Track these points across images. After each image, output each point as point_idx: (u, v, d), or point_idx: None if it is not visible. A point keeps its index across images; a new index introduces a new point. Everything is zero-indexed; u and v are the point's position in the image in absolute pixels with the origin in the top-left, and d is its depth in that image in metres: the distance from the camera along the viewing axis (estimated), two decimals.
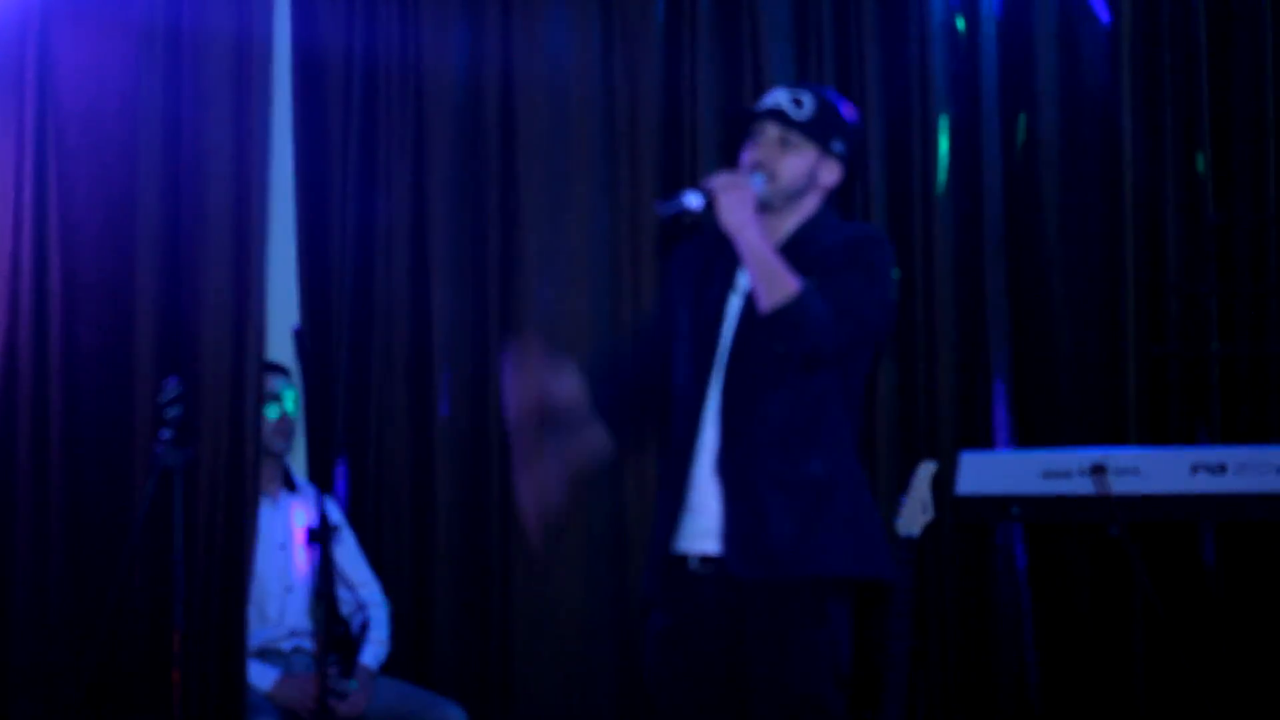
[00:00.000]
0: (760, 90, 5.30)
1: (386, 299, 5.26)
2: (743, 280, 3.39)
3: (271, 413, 4.68)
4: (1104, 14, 5.24)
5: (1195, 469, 4.34)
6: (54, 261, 4.66)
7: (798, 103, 3.40)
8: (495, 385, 5.27)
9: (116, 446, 4.60)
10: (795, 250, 3.33)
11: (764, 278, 3.23)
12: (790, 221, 3.42)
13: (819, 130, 3.40)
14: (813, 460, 3.33)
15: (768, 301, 3.22)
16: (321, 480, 4.99)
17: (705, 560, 3.35)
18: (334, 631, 4.34)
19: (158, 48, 4.67)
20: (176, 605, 4.08)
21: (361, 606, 4.78)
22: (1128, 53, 5.19)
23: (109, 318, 4.66)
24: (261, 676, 4.51)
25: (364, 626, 4.71)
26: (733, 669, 3.33)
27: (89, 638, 4.44)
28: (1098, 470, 4.36)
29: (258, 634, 4.58)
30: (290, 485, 4.83)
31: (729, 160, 4.69)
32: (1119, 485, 4.36)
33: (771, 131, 3.40)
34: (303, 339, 4.18)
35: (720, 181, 3.29)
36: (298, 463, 5.09)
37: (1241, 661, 4.97)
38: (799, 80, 5.32)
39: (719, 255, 3.43)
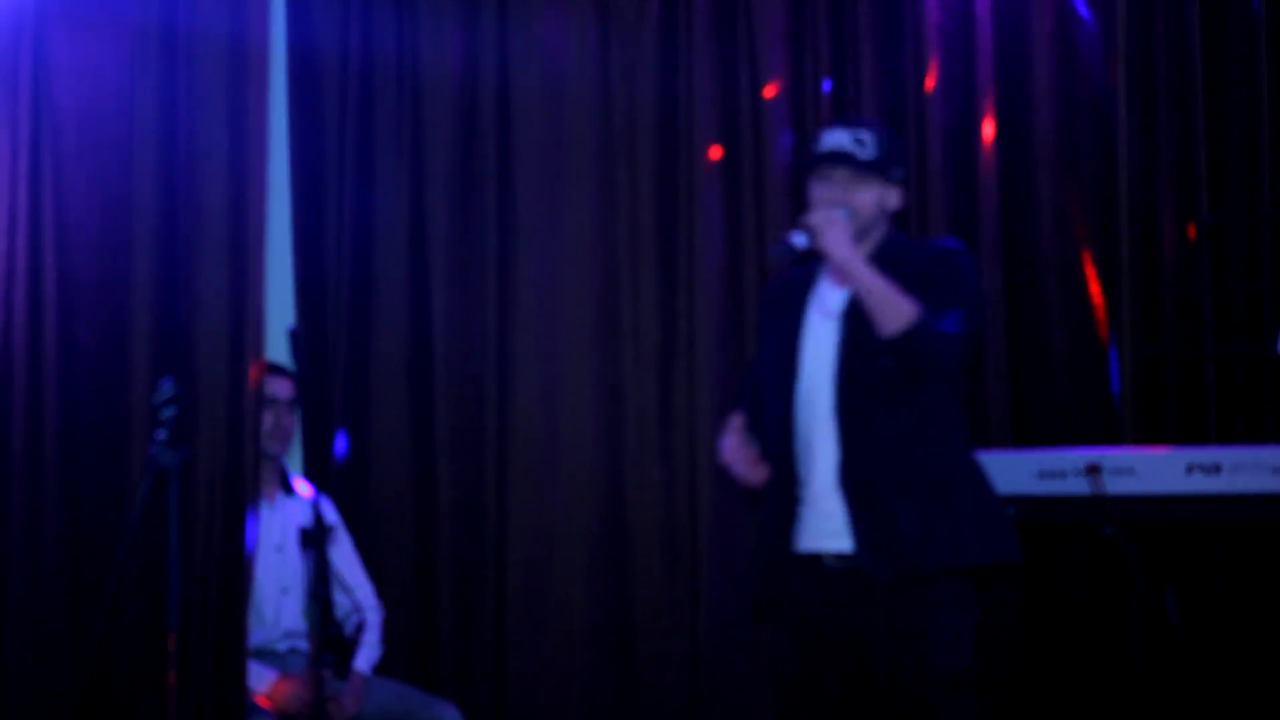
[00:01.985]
0: (756, 90, 5.32)
1: (384, 299, 5.27)
2: (831, 303, 3.67)
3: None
4: (1098, 14, 5.24)
5: (1190, 469, 4.34)
6: (49, 262, 4.65)
7: (860, 143, 3.67)
8: (493, 386, 5.28)
9: (112, 447, 4.59)
10: (887, 272, 3.55)
11: (881, 304, 3.49)
12: (866, 248, 3.66)
13: (883, 165, 3.69)
14: (931, 461, 3.59)
15: (891, 326, 3.48)
16: (318, 482, 5.00)
17: (840, 557, 3.58)
18: (329, 633, 4.34)
19: (153, 48, 4.66)
20: (172, 606, 4.07)
21: (357, 609, 4.78)
22: (1123, 52, 5.20)
23: (104, 318, 4.65)
24: (258, 678, 4.51)
25: (359, 629, 4.71)
26: (862, 659, 3.56)
27: (84, 639, 4.43)
28: (1093, 470, 4.36)
29: (254, 635, 4.57)
30: (287, 487, 4.82)
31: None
32: (1114, 485, 4.36)
33: (840, 172, 3.66)
34: (298, 339, 4.17)
35: (818, 219, 3.57)
36: (294, 464, 5.09)
37: (1239, 662, 4.98)
38: (797, 80, 5.34)
39: (796, 287, 3.78)
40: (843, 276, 3.57)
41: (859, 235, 3.64)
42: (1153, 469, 4.37)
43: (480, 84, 5.35)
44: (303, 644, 4.66)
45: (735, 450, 3.69)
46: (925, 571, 3.51)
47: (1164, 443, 5.00)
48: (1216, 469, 4.32)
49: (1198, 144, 5.14)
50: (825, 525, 3.61)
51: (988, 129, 5.28)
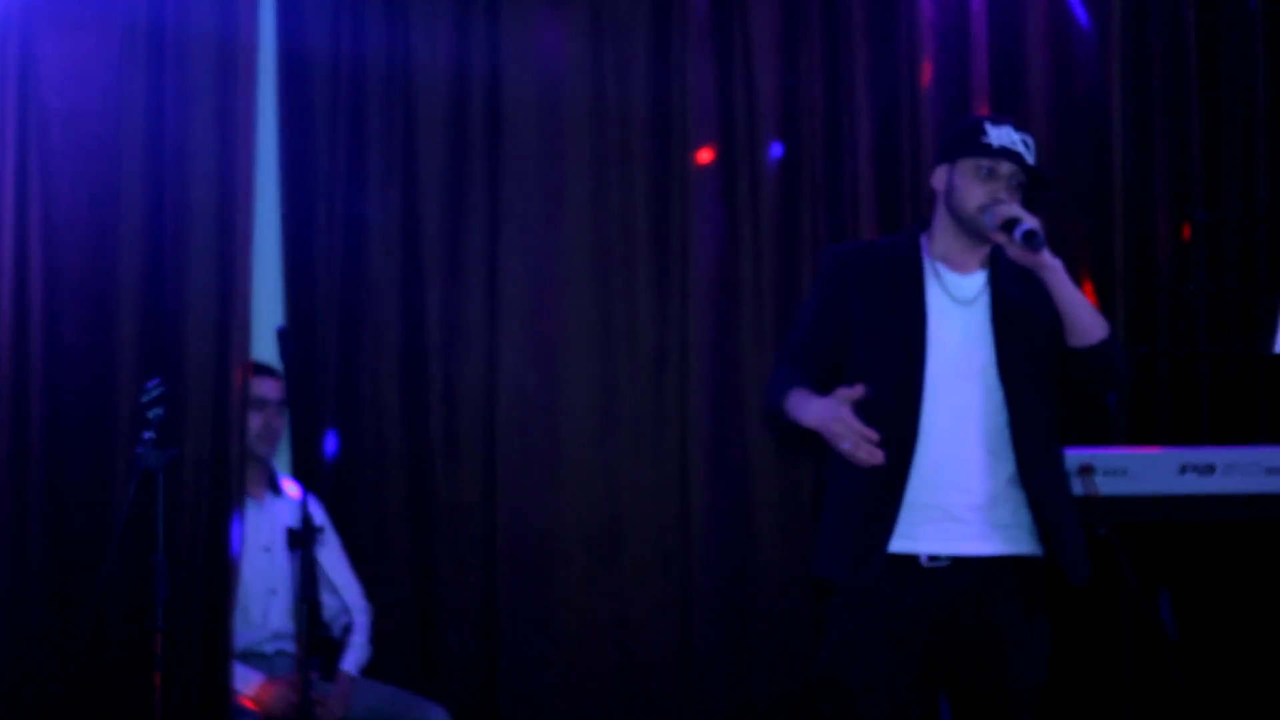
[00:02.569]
0: (751, 91, 5.30)
1: (374, 299, 5.25)
2: (956, 289, 3.58)
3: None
4: (1093, 13, 5.23)
5: (1184, 469, 4.34)
6: (36, 261, 4.63)
7: (1028, 145, 3.58)
8: (485, 386, 5.27)
9: (98, 447, 4.57)
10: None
11: (1084, 311, 3.48)
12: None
13: (1040, 177, 3.62)
14: (1064, 471, 3.61)
15: (1090, 336, 3.46)
16: (306, 482, 4.98)
17: (934, 557, 3.49)
18: (316, 635, 4.32)
19: (140, 46, 4.64)
20: (158, 607, 4.06)
21: (345, 610, 4.76)
22: (1117, 52, 5.19)
23: (91, 318, 4.63)
24: (244, 680, 4.49)
25: (347, 630, 4.69)
26: (939, 658, 3.51)
27: (69, 639, 4.41)
28: (1085, 471, 4.34)
29: (241, 636, 4.56)
30: (275, 488, 4.81)
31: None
32: (1107, 486, 4.34)
33: (1005, 169, 3.56)
34: (287, 339, 4.15)
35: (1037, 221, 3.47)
36: (283, 465, 5.07)
37: (1232, 664, 4.96)
38: (789, 82, 5.32)
39: (893, 261, 3.64)
40: (1047, 279, 3.47)
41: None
42: (1146, 469, 4.37)
43: (472, 84, 5.33)
44: (290, 646, 4.64)
45: (852, 429, 3.39)
46: (1084, 579, 3.54)
47: (1158, 443, 4.99)
48: (1210, 469, 4.31)
49: (1192, 144, 5.14)
50: (944, 525, 3.49)
51: None
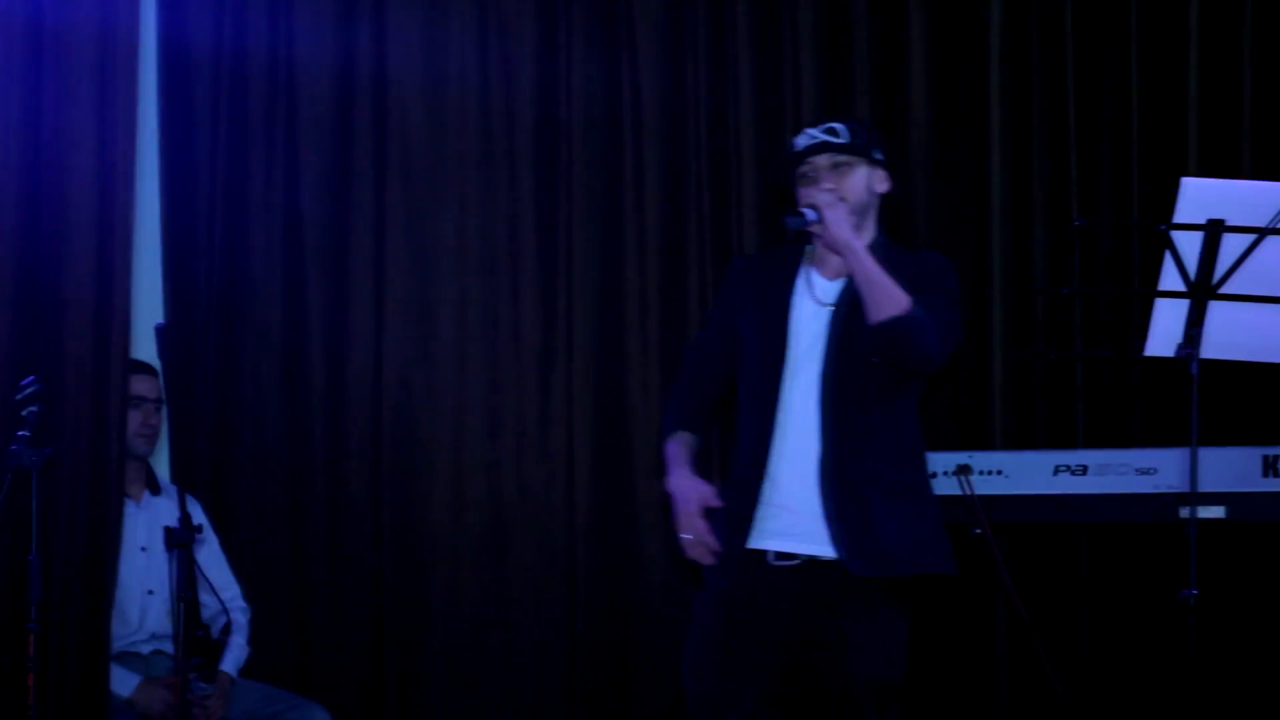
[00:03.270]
0: (637, 89, 5.32)
1: (256, 297, 5.22)
2: (821, 292, 3.65)
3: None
4: (974, 21, 5.30)
5: (1058, 470, 4.42)
6: None
7: (833, 131, 3.65)
8: (369, 384, 5.24)
9: None
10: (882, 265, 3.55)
11: (877, 289, 3.49)
12: (863, 238, 3.63)
13: (861, 146, 3.66)
14: (905, 467, 3.65)
15: (882, 313, 3.47)
16: (186, 481, 4.93)
17: (781, 555, 3.57)
18: (195, 635, 4.28)
19: (17, 37, 4.55)
20: (32, 607, 4.00)
21: (224, 610, 4.72)
22: (997, 58, 5.25)
23: None
24: (121, 682, 4.43)
25: (225, 631, 4.65)
26: (793, 659, 3.56)
27: None
28: (962, 470, 4.41)
29: (118, 637, 4.50)
30: (153, 487, 4.76)
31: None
32: (983, 486, 4.41)
33: (822, 161, 3.64)
34: (166, 336, 4.10)
35: (824, 199, 3.57)
36: (161, 463, 5.02)
37: (1105, 660, 5.05)
38: (676, 82, 5.35)
39: (776, 269, 3.75)
40: (845, 258, 3.54)
41: (856, 223, 3.62)
42: (1021, 470, 4.44)
43: (357, 80, 5.31)
44: (167, 646, 4.59)
45: (700, 532, 3.59)
46: (900, 573, 3.55)
47: (1034, 444, 5.07)
48: (1083, 470, 4.39)
49: (1069, 150, 5.21)
50: (793, 526, 3.57)
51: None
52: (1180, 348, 3.78)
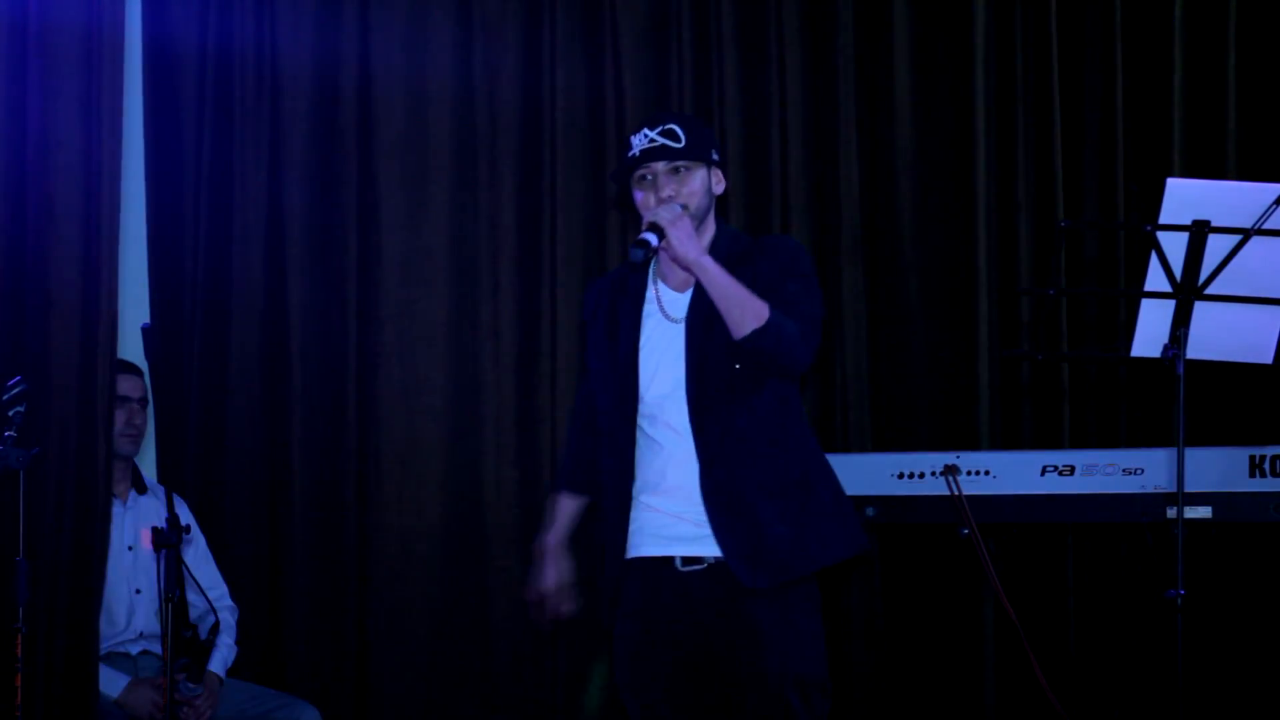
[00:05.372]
0: (620, 89, 5.32)
1: (240, 296, 5.21)
2: (671, 307, 3.60)
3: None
4: (958, 19, 5.31)
5: (1045, 470, 4.43)
6: None
7: (671, 133, 3.57)
8: (352, 383, 5.23)
9: None
10: (730, 270, 3.49)
11: (734, 305, 3.44)
12: (704, 239, 3.59)
13: (700, 149, 3.60)
14: (787, 461, 3.56)
15: (744, 328, 3.42)
16: (172, 481, 4.92)
17: (692, 560, 3.53)
18: (183, 635, 4.28)
19: (1, 34, 4.53)
20: (19, 608, 3.99)
21: (211, 610, 4.71)
22: (982, 59, 5.27)
23: None
24: (110, 683, 4.43)
25: (213, 630, 4.64)
26: (714, 662, 3.52)
27: None
28: (950, 471, 4.42)
29: (106, 638, 4.49)
30: (140, 486, 4.75)
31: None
32: (970, 486, 4.43)
33: (660, 166, 3.58)
34: (151, 336, 4.09)
35: (667, 217, 3.48)
36: (147, 463, 5.01)
37: (1091, 660, 5.07)
38: (658, 82, 5.35)
39: (625, 290, 3.67)
40: (695, 274, 3.48)
41: (697, 227, 3.56)
42: (1009, 470, 4.46)
43: (341, 79, 5.30)
44: (155, 646, 4.58)
45: (552, 589, 3.73)
46: (796, 575, 3.49)
47: (1021, 445, 5.09)
48: (1070, 470, 4.40)
49: (1055, 151, 5.22)
50: (682, 530, 3.54)
51: (849, 134, 5.33)
52: (1166, 348, 3.79)
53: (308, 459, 5.21)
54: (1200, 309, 3.77)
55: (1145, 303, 3.86)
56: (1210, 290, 3.76)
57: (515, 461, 5.32)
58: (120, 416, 4.60)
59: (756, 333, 3.42)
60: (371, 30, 5.31)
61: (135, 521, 4.64)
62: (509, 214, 5.37)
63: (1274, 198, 3.70)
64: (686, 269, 3.50)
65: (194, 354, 5.16)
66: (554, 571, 3.73)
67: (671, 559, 3.55)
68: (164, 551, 3.94)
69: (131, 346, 4.70)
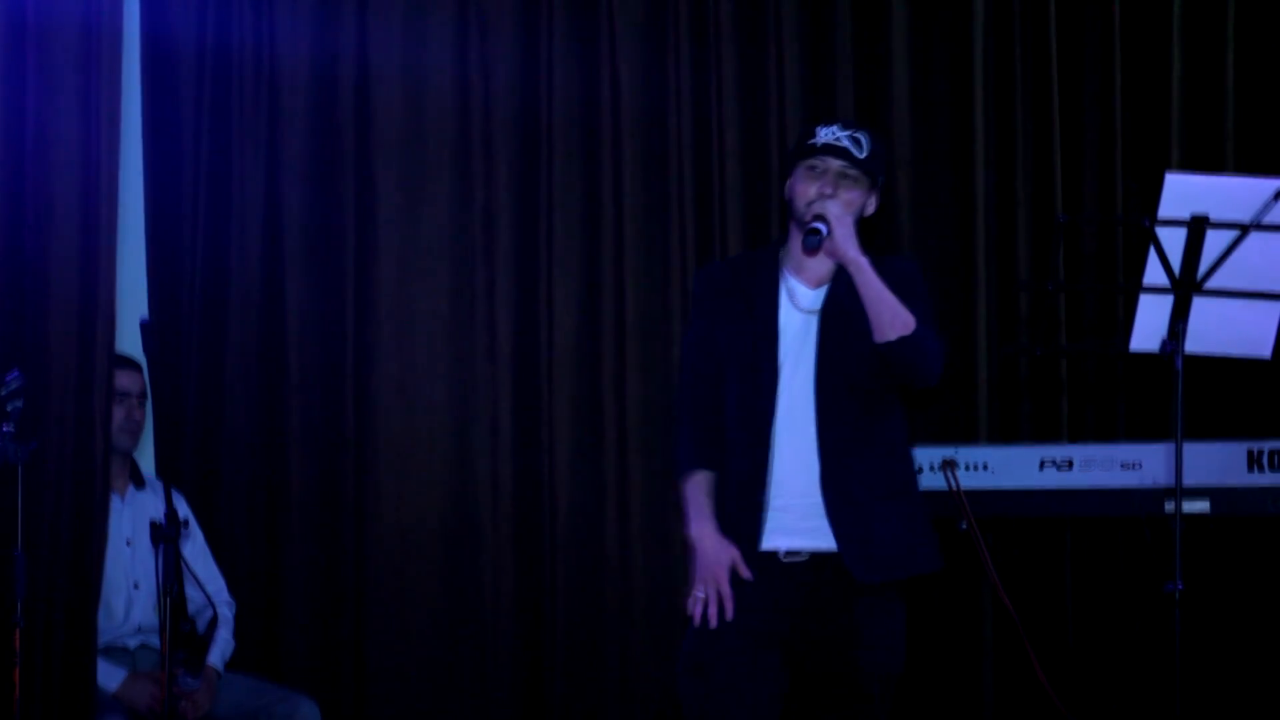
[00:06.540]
0: (617, 85, 5.32)
1: (238, 292, 5.20)
2: (804, 300, 3.65)
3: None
4: (957, 14, 5.31)
5: (1043, 464, 4.44)
6: None
7: (856, 141, 3.62)
8: (349, 379, 5.23)
9: None
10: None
11: (885, 309, 3.51)
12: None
13: (875, 166, 3.65)
14: (899, 469, 3.67)
15: (890, 333, 3.50)
16: (170, 475, 4.92)
17: (789, 553, 3.58)
18: (181, 629, 4.27)
19: (0, 30, 4.54)
20: (18, 603, 3.99)
21: (209, 604, 4.71)
22: (980, 54, 5.27)
23: None
24: (108, 677, 4.43)
25: (211, 624, 4.64)
26: (804, 651, 3.57)
27: None
28: (948, 465, 4.42)
29: (104, 631, 4.50)
30: (138, 481, 4.75)
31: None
32: (969, 481, 4.43)
33: (835, 164, 3.62)
34: (149, 331, 4.09)
35: (835, 211, 3.55)
36: (145, 458, 5.01)
37: (1089, 653, 5.07)
38: (656, 78, 5.35)
39: (754, 278, 3.72)
40: (852, 275, 3.52)
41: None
42: (1007, 464, 4.46)
43: (339, 75, 5.30)
44: (153, 640, 4.58)
45: (725, 598, 3.57)
46: (904, 575, 3.60)
47: (1019, 439, 5.09)
48: (1069, 465, 4.41)
49: (1054, 146, 5.23)
50: (797, 524, 3.58)
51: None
52: (1165, 343, 3.80)
53: (305, 453, 5.21)
54: (1198, 304, 3.77)
55: (1144, 297, 3.86)
56: (1209, 285, 3.76)
57: (512, 455, 5.31)
58: (119, 412, 4.60)
59: (901, 340, 3.50)
60: (369, 28, 5.31)
61: (134, 516, 4.65)
62: (506, 211, 5.36)
63: (1273, 192, 3.70)
64: (842, 266, 3.55)
65: (192, 349, 5.16)
66: (726, 555, 3.59)
67: (775, 552, 3.59)
68: (162, 546, 3.94)
69: (130, 341, 4.70)
